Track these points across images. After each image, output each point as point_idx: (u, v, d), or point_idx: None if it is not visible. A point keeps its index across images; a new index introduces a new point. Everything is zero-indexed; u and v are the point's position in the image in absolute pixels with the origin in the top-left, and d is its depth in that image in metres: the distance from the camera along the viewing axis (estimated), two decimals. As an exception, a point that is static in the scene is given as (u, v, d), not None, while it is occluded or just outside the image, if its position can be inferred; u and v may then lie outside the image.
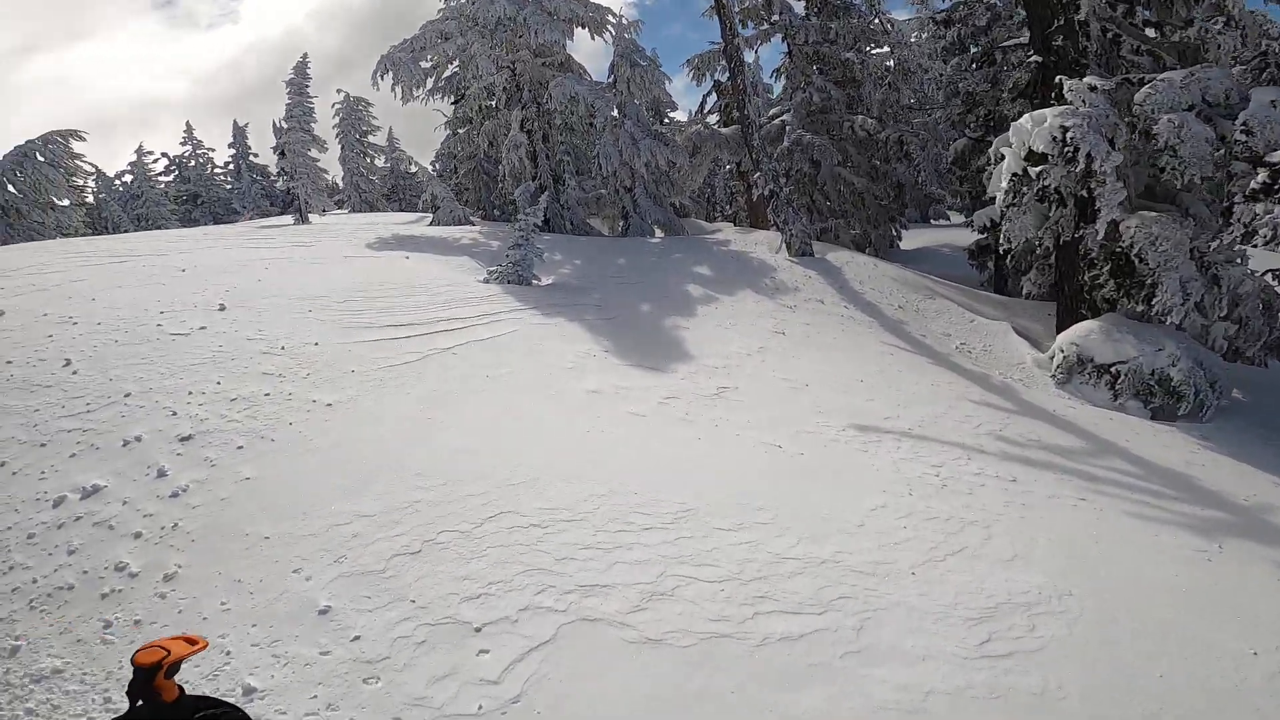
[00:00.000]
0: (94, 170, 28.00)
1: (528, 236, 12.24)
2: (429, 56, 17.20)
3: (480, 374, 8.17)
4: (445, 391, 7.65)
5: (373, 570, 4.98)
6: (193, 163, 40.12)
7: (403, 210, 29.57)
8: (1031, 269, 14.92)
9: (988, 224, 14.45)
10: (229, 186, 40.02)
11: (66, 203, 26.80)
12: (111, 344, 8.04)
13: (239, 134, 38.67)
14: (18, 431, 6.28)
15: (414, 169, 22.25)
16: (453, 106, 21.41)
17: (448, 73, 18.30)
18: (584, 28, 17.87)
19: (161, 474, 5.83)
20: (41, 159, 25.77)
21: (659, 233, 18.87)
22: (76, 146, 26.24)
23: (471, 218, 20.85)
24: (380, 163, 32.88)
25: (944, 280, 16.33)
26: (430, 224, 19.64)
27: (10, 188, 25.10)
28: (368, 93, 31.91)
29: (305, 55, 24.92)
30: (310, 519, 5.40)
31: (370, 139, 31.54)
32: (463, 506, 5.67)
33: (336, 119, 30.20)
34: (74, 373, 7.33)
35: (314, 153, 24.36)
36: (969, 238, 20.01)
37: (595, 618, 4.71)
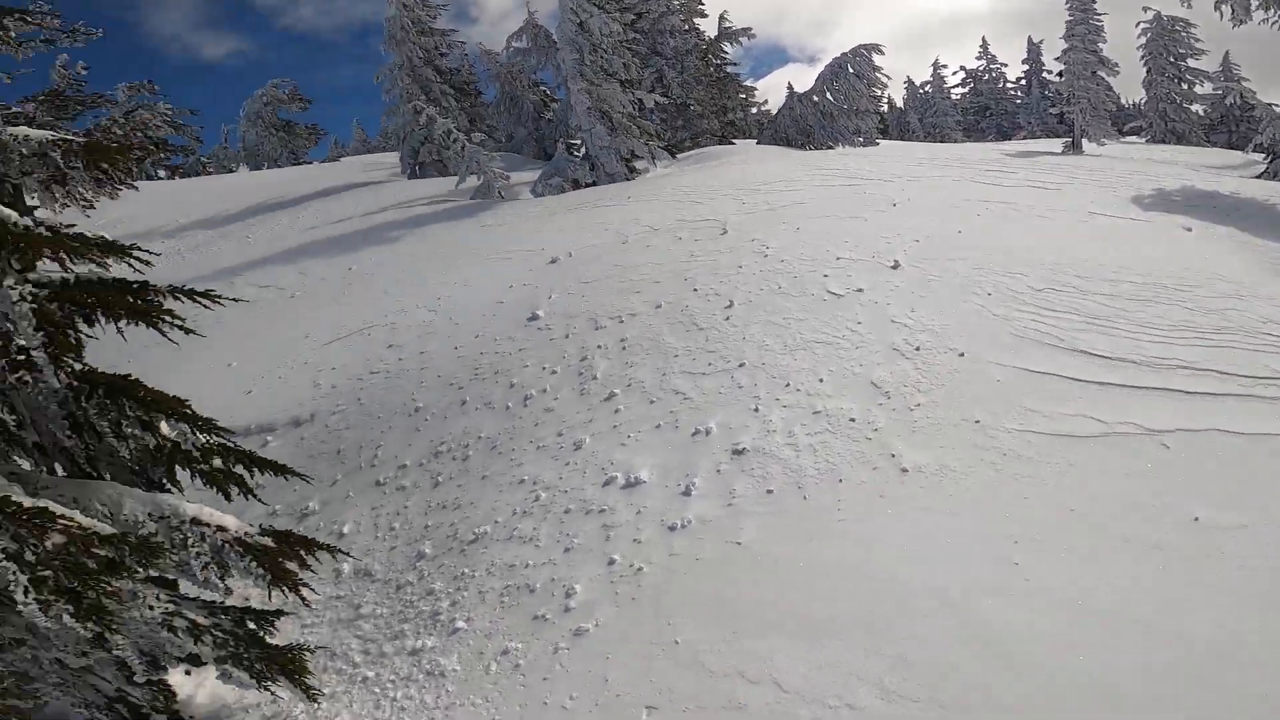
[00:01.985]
0: (888, 81, 29.64)
1: None
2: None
3: (1183, 511, 4.16)
4: (1089, 522, 4.14)
5: None
6: (985, 77, 39.86)
7: (1230, 148, 20.60)
8: None
9: None
10: (1018, 101, 38.16)
11: (869, 110, 29.55)
12: (772, 292, 7.63)
13: (1033, 50, 36.08)
14: (649, 377, 6.51)
15: (1252, 102, 14.30)
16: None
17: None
18: None
19: (686, 492, 5.01)
20: (850, 70, 28.63)
21: None
22: (876, 59, 27.99)
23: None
24: (1201, 89, 24.33)
25: None
26: (1259, 175, 12.43)
27: (828, 95, 29.09)
28: (1188, 12, 23.11)
29: (1096, -34, 18.83)
30: (729, 648, 3.71)
31: (1189, 63, 23.70)
32: None
33: (1142, 39, 24.98)
34: (727, 319, 7.20)
35: (1102, 73, 18.94)
36: None
37: None
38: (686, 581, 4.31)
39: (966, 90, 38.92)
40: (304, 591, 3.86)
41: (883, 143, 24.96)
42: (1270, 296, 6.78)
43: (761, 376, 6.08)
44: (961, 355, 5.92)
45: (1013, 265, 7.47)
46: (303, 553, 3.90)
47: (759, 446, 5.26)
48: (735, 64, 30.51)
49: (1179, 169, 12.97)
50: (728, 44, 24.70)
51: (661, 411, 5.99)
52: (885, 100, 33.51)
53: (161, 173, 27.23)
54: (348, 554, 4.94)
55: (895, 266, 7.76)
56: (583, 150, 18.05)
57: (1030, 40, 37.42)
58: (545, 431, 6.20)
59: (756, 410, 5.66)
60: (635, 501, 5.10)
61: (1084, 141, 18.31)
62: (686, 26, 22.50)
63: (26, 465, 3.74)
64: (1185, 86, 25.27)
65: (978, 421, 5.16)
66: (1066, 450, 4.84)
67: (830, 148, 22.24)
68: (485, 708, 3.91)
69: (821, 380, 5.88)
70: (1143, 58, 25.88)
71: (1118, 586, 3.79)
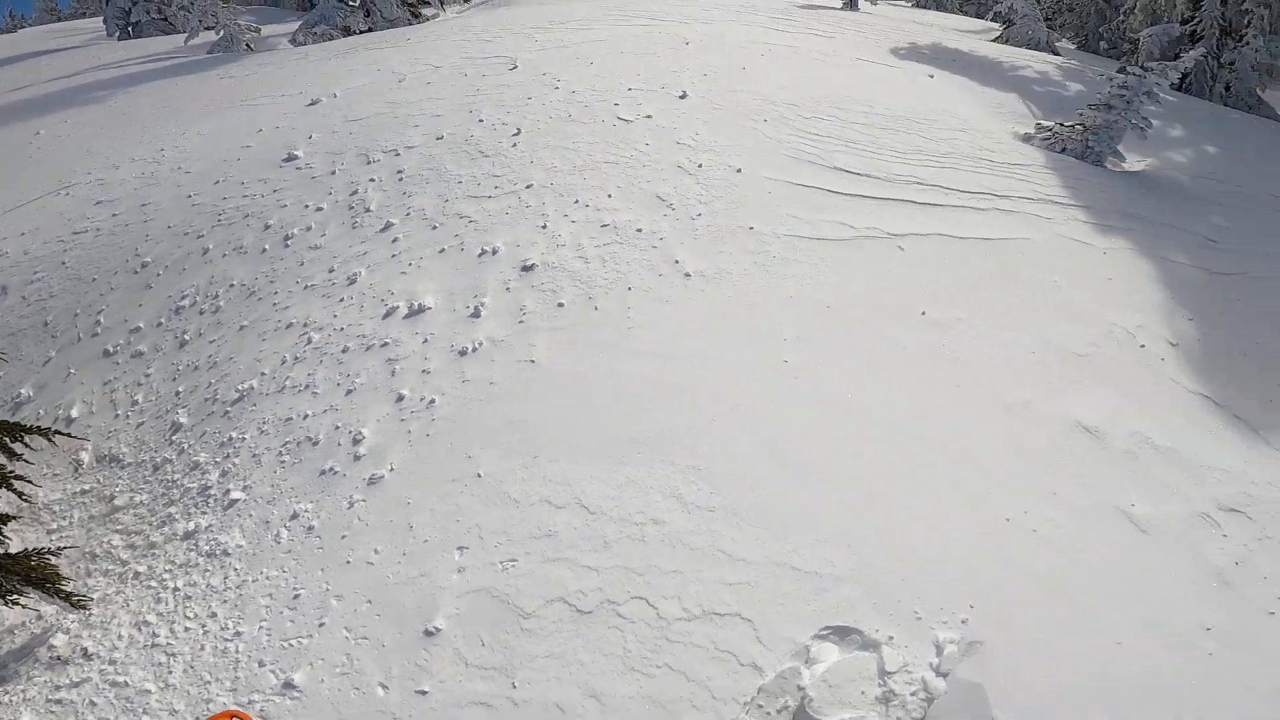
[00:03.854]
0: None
1: (1132, 99, 6.96)
2: None
3: (913, 305, 4.85)
4: (842, 317, 4.70)
5: (522, 611, 3.17)
6: None
7: (978, 17, 22.93)
8: None
9: None
10: None
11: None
12: (562, 120, 7.23)
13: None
14: (430, 204, 5.96)
15: None
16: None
17: None
18: None
19: (475, 313, 4.77)
20: None
21: None
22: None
23: (1057, 44, 14.31)
24: None
25: None
26: (994, 39, 14.11)
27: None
28: None
29: None
30: (532, 475, 3.71)
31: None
32: (700, 574, 3.22)
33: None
34: (514, 145, 6.75)
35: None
36: None
37: None
38: (483, 410, 4.14)
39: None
40: (38, 492, 3.23)
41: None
42: (988, 132, 7.81)
43: (549, 195, 5.83)
44: (739, 171, 6.13)
45: (788, 98, 7.76)
46: (8, 440, 3.29)
47: (548, 261, 5.11)
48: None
49: (933, 30, 14.23)
50: None
51: (445, 235, 5.55)
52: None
53: None
54: (75, 437, 4.29)
55: (683, 96, 7.70)
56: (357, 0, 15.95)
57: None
58: (313, 269, 5.55)
59: (544, 227, 5.45)
60: (421, 330, 4.77)
61: (861, 1, 19.29)
62: None
63: None
64: (940, -45, 26.79)
65: (751, 228, 5.45)
66: (824, 252, 5.31)
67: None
68: (283, 578, 3.57)
69: (610, 196, 5.78)
70: (909, -70, 26.68)
71: (867, 384, 4.23)
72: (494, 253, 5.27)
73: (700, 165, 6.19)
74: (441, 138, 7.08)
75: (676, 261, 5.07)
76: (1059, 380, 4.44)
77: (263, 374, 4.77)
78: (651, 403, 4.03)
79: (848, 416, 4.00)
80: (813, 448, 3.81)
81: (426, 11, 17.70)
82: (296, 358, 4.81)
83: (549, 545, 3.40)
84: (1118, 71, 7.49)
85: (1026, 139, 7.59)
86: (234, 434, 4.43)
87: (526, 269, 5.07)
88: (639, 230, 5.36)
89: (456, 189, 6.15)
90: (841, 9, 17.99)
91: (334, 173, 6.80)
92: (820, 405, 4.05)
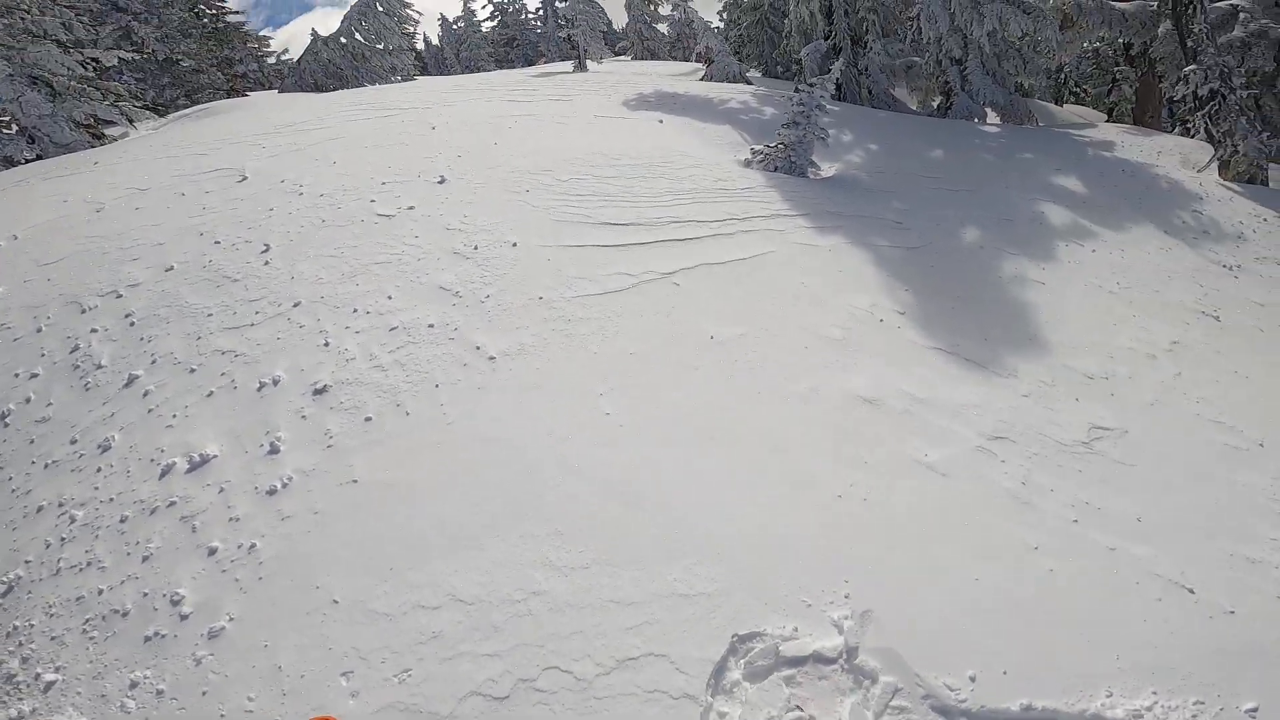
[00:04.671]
0: (420, 17, 29.13)
1: (809, 113, 8.50)
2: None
3: (700, 331, 5.43)
4: (643, 358, 5.11)
5: (439, 716, 3.02)
6: (511, 9, 42.04)
7: (686, 60, 26.32)
8: None
9: None
10: (539, 30, 41.03)
11: (404, 47, 28.69)
12: (317, 225, 6.91)
13: (545, -17, 38.67)
14: (179, 346, 5.36)
15: (693, 20, 18.46)
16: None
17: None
18: None
19: (273, 450, 4.40)
20: (381, 9, 27.38)
21: (992, 118, 13.26)
22: (405, -3, 27.19)
23: (748, 74, 16.94)
24: (665, 11, 29.82)
25: None
26: (701, 78, 16.29)
27: (357, 35, 27.24)
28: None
29: (587, -105, 21.59)
30: (393, 586, 3.54)
31: (654, -13, 28.69)
32: (599, 628, 3.33)
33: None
34: (265, 264, 6.30)
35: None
36: None
37: None
38: (316, 540, 3.84)
39: (495, 23, 40.98)
40: None
41: (420, 79, 24.55)
42: (717, 163, 8.99)
43: (323, 310, 5.55)
44: (515, 245, 6.37)
45: (543, 164, 8.25)
46: None
47: (342, 379, 4.85)
48: (238, 13, 26.07)
49: (653, 78, 16.00)
50: (224, -8, 20.72)
51: (209, 376, 5.02)
52: (420, 36, 32.99)
53: None
54: None
55: (442, 181, 7.81)
56: (14, 126, 13.99)
57: (543, -28, 40.18)
58: (49, 445, 4.77)
59: (327, 345, 5.17)
60: (212, 480, 4.30)
61: (588, 61, 21.07)
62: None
63: None
64: (653, 8, 30.58)
65: (541, 298, 5.68)
66: (612, 303, 5.71)
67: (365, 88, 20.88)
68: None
69: (390, 297, 5.66)
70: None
71: (681, 412, 4.60)
72: (275, 383, 4.87)
73: (476, 247, 6.32)
74: (172, 268, 6.39)
75: (478, 348, 5.11)
76: (830, 364, 5.25)
77: (27, 562, 4.06)
78: (493, 486, 4.02)
79: (674, 445, 4.35)
80: (654, 482, 4.08)
81: (112, 132, 15.81)
82: (63, 539, 4.14)
83: (439, 646, 3.26)
84: (795, 90, 9.11)
85: (747, 164, 8.87)
86: (17, 623, 3.75)
87: (319, 392, 4.76)
88: (431, 326, 5.32)
89: (208, 323, 5.58)
90: (573, 71, 19.51)
91: (41, 330, 5.83)
92: (647, 442, 4.35)
